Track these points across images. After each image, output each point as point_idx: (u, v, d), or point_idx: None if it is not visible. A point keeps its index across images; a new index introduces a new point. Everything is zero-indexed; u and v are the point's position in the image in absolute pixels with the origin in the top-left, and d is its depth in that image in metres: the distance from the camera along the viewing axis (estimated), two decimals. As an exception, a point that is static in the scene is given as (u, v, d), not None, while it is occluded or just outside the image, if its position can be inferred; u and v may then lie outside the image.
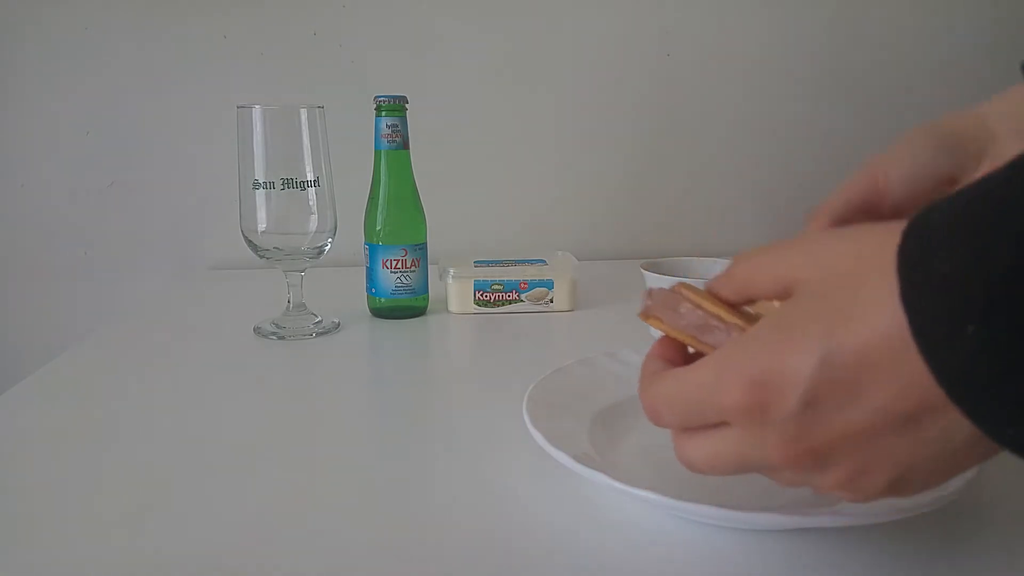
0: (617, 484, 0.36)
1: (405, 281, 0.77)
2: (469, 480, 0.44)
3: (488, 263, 0.81)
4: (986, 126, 0.41)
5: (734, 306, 0.33)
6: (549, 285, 0.80)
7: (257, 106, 0.68)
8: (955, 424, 0.25)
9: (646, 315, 0.36)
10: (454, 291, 0.79)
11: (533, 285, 0.79)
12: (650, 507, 0.39)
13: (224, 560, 0.36)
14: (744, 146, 1.10)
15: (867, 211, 0.41)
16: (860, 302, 0.25)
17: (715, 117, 1.09)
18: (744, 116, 1.09)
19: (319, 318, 0.75)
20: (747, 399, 0.27)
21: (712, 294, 0.34)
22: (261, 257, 0.72)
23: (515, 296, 0.79)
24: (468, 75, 1.05)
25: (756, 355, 0.27)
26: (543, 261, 0.83)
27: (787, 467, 0.28)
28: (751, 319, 0.33)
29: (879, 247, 0.26)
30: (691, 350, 0.35)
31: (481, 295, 0.79)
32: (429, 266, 0.79)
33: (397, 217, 0.76)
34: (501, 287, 0.79)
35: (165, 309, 0.85)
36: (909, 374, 0.24)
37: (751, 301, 0.33)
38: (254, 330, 0.73)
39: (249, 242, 0.71)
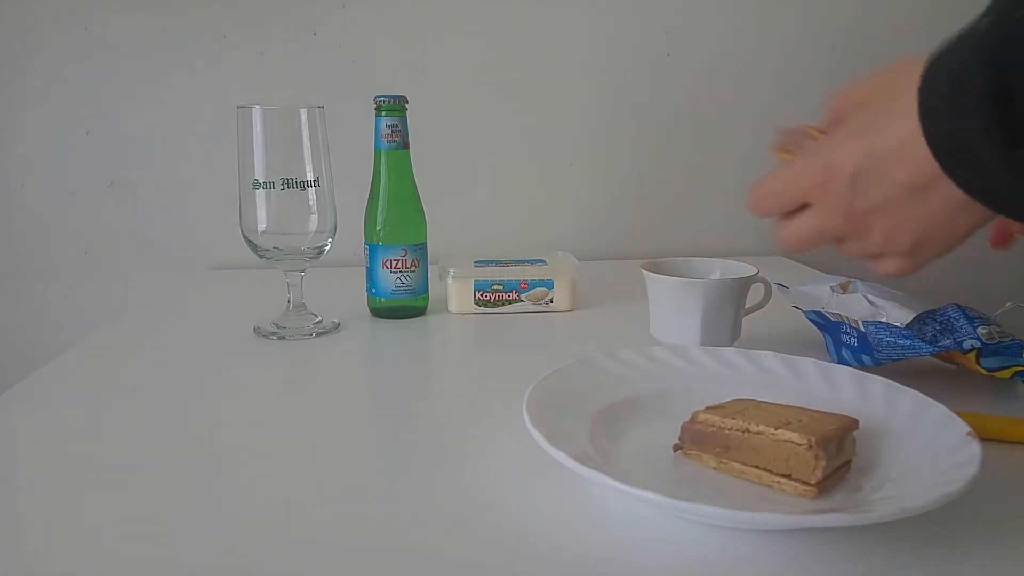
0: (617, 484, 0.36)
1: (405, 281, 0.77)
2: (469, 480, 0.44)
3: (488, 263, 0.81)
4: None
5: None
6: (549, 285, 0.80)
7: (257, 106, 0.68)
8: (950, 193, 0.35)
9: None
10: (454, 291, 0.79)
11: (533, 285, 0.79)
12: (650, 507, 0.39)
13: (224, 559, 0.36)
14: (744, 146, 1.10)
15: None
16: (891, 115, 0.37)
17: (715, 117, 1.09)
18: (744, 116, 1.09)
19: (319, 318, 0.75)
20: (817, 177, 0.40)
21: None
22: (261, 257, 0.72)
23: (515, 296, 0.79)
24: (468, 75, 1.05)
25: (826, 152, 0.40)
26: (543, 261, 0.83)
27: (846, 229, 0.40)
28: None
29: (907, 76, 0.36)
30: None
31: (481, 295, 0.79)
32: (429, 266, 0.79)
33: (397, 217, 0.76)
34: (501, 287, 0.79)
35: (165, 309, 0.85)
36: (920, 158, 0.35)
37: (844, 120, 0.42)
38: (254, 330, 0.73)
39: (249, 242, 0.71)
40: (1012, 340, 0.55)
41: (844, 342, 0.60)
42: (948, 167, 0.35)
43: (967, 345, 0.54)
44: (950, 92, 0.33)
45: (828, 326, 0.62)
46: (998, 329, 0.56)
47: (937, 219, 0.38)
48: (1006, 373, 0.55)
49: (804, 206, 0.42)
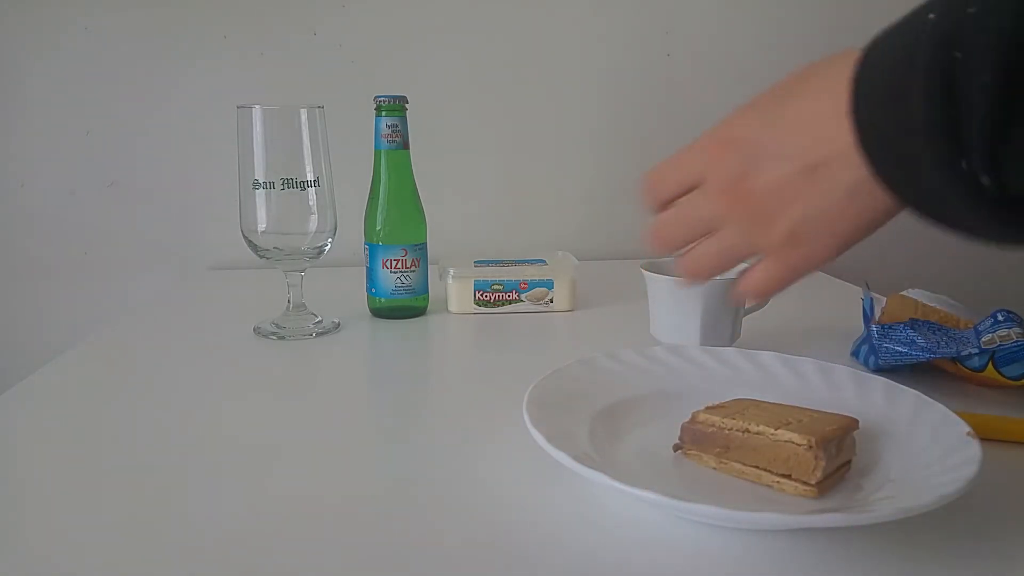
0: (617, 484, 0.36)
1: (405, 281, 0.77)
2: (469, 480, 0.44)
3: (488, 263, 0.81)
4: None
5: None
6: (549, 285, 0.80)
7: (257, 106, 0.68)
8: (847, 176, 0.33)
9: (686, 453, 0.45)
10: (454, 291, 0.79)
11: (533, 285, 0.79)
12: (650, 507, 0.39)
13: (224, 559, 0.36)
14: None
15: None
16: (803, 94, 0.35)
17: (715, 117, 1.08)
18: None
19: (319, 318, 0.75)
20: (710, 151, 0.38)
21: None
22: (261, 257, 0.72)
23: (515, 296, 0.79)
24: (468, 75, 1.05)
25: (721, 126, 0.39)
26: (543, 261, 0.83)
27: (727, 209, 0.38)
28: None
29: (819, 67, 0.34)
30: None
31: (481, 295, 0.79)
32: (429, 266, 0.79)
33: (397, 217, 0.76)
34: (501, 287, 0.79)
35: (165, 309, 0.85)
36: (829, 136, 0.33)
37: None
38: (254, 330, 0.73)
39: (249, 242, 0.71)
40: (1015, 343, 0.54)
41: (865, 338, 0.61)
42: (880, 166, 0.32)
43: (965, 354, 0.54)
44: (890, 82, 0.30)
45: (865, 319, 0.62)
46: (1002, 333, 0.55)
47: (821, 204, 0.34)
48: None
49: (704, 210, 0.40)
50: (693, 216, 0.40)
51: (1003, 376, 0.54)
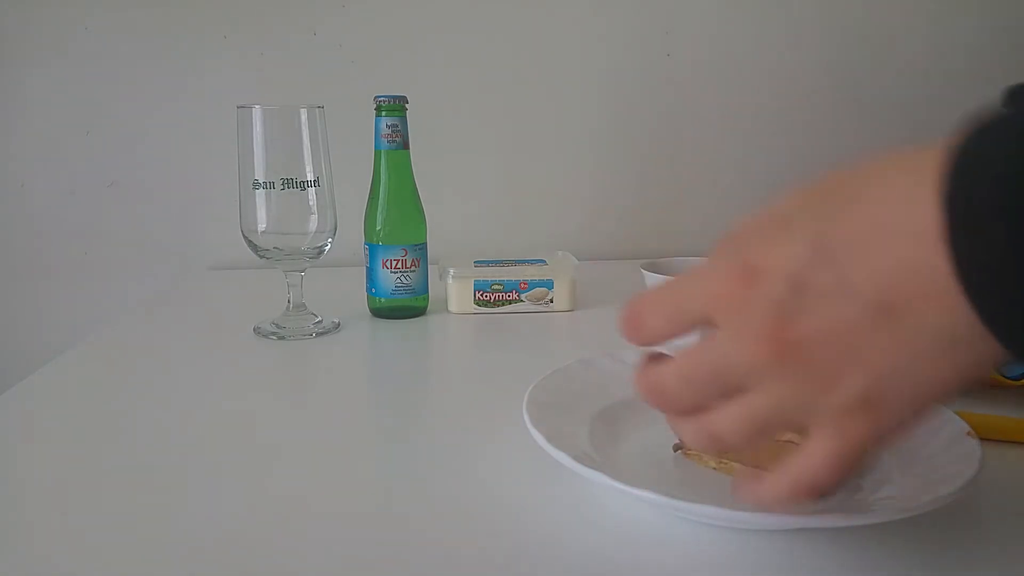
0: (617, 484, 0.36)
1: (405, 281, 0.77)
2: (469, 480, 0.44)
3: (488, 263, 0.81)
4: None
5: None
6: (549, 285, 0.80)
7: (257, 106, 0.68)
8: (940, 322, 0.24)
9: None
10: (454, 291, 0.79)
11: (533, 285, 0.79)
12: (650, 507, 0.39)
13: (224, 559, 0.36)
14: (744, 146, 1.10)
15: None
16: (859, 200, 0.25)
17: (715, 117, 1.09)
18: (744, 116, 1.09)
19: (319, 318, 0.75)
20: (733, 283, 0.26)
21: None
22: (261, 257, 0.72)
23: (515, 296, 0.79)
24: (468, 75, 1.05)
25: (742, 247, 0.27)
26: (543, 261, 0.83)
27: (766, 367, 0.26)
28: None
29: (870, 171, 0.25)
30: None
31: (481, 295, 0.79)
32: (429, 266, 0.79)
33: (397, 217, 0.76)
34: (501, 287, 0.79)
35: (165, 309, 0.85)
36: (908, 253, 0.24)
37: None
38: (254, 330, 0.73)
39: (249, 242, 0.71)
40: None
41: None
42: (987, 309, 0.22)
43: None
44: (1000, 192, 0.21)
45: None
46: None
47: (902, 359, 0.25)
48: None
49: (707, 331, 0.28)
50: (713, 368, 0.28)
51: (1003, 376, 0.54)
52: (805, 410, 0.27)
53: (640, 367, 0.31)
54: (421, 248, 0.78)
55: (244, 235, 0.71)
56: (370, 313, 0.79)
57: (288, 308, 0.74)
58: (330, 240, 0.73)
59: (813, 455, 0.28)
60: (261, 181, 0.68)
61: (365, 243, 0.77)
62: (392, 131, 0.75)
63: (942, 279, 0.23)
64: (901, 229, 0.24)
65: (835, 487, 0.29)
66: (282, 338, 0.71)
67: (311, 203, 0.70)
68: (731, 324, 0.27)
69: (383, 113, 0.75)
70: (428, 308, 0.81)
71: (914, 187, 0.24)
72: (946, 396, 0.26)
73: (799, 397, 0.27)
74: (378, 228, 0.76)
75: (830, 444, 0.27)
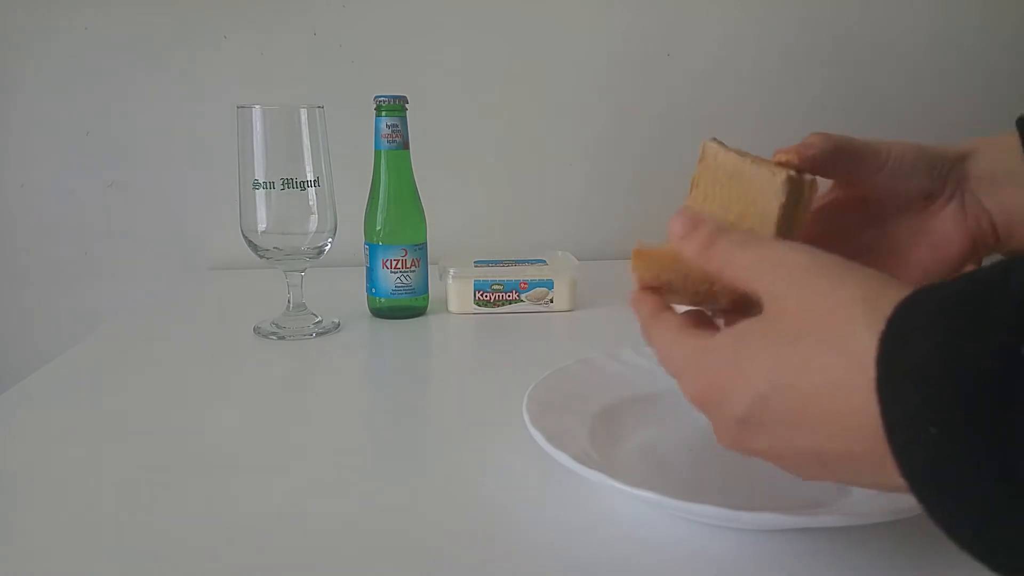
0: (617, 484, 0.36)
1: (405, 281, 0.77)
2: (469, 480, 0.44)
3: (488, 263, 0.81)
4: (962, 165, 0.44)
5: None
6: (549, 285, 0.80)
7: (257, 106, 0.68)
8: (870, 476, 0.27)
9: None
10: (454, 291, 0.79)
11: (533, 285, 0.79)
12: (650, 507, 0.39)
13: (223, 559, 0.36)
14: (744, 146, 1.09)
15: (843, 178, 0.47)
16: (819, 357, 0.27)
17: (715, 117, 1.09)
18: (745, 116, 1.09)
19: (319, 318, 0.75)
20: (698, 399, 0.33)
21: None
22: (261, 257, 0.72)
23: (515, 296, 0.79)
24: (468, 75, 1.05)
25: (715, 368, 0.31)
26: (543, 261, 0.83)
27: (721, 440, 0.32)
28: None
29: (856, 311, 0.26)
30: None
31: (481, 295, 0.79)
32: (429, 266, 0.79)
33: (397, 217, 0.76)
34: (501, 287, 0.79)
35: (165, 309, 0.85)
36: (849, 408, 0.26)
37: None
38: (254, 330, 0.73)
39: (249, 242, 0.71)
40: None
41: None
42: (916, 483, 0.25)
43: None
44: (934, 391, 0.23)
45: None
46: None
47: (831, 477, 0.29)
48: None
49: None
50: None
51: None
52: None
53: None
54: (421, 248, 0.78)
55: (244, 235, 0.71)
56: (370, 313, 0.79)
57: (288, 308, 0.74)
58: (330, 240, 0.73)
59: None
60: (261, 181, 0.68)
61: (365, 243, 0.77)
62: (392, 131, 0.75)
63: (879, 442, 0.25)
64: (839, 382, 0.26)
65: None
66: (282, 338, 0.71)
67: (311, 203, 0.70)
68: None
69: (383, 113, 0.75)
70: (428, 308, 0.81)
71: (854, 341, 0.26)
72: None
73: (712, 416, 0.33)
74: (378, 228, 0.76)
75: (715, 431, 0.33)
